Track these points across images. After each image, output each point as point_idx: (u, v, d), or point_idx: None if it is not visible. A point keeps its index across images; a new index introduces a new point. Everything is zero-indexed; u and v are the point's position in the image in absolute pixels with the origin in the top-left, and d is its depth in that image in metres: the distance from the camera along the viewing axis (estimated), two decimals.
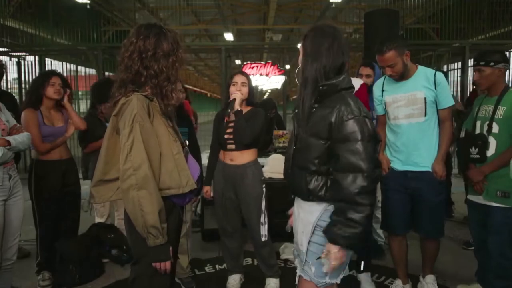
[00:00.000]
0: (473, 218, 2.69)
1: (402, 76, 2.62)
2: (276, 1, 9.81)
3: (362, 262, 2.90)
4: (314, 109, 1.67)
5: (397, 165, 2.72)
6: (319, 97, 1.66)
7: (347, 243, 1.58)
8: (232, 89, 2.81)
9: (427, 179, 2.63)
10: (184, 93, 3.06)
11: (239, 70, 3.33)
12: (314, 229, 1.69)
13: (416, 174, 2.65)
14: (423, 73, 2.64)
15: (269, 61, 8.93)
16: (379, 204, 3.24)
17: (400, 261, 2.85)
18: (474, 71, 2.58)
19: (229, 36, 11.45)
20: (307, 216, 1.72)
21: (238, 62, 14.31)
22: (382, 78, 2.81)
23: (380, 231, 3.62)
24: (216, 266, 3.46)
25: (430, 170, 2.64)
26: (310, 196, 1.68)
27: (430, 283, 2.83)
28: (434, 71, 2.66)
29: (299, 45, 1.74)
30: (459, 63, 7.55)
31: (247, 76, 2.89)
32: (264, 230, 2.78)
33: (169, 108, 1.71)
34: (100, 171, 1.69)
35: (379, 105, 2.80)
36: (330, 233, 1.60)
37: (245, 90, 2.80)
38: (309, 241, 1.70)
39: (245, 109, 2.81)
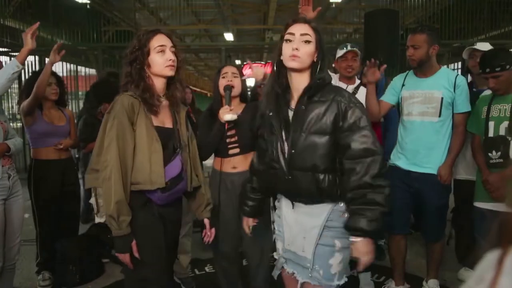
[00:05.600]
0: (482, 227, 2.38)
1: (419, 64, 2.59)
2: (276, 1, 9.80)
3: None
4: (303, 107, 1.63)
5: (402, 163, 2.69)
6: (314, 92, 1.63)
7: (370, 228, 1.51)
8: (222, 81, 2.40)
9: (430, 181, 2.60)
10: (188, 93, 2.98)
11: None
12: (322, 231, 1.64)
13: (420, 175, 2.63)
14: (445, 73, 2.63)
15: (269, 61, 8.93)
16: None
17: (397, 262, 2.82)
18: (487, 78, 2.42)
19: (229, 36, 11.45)
20: (311, 219, 1.66)
21: (238, 62, 14.30)
22: (406, 72, 2.79)
23: None
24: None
25: (434, 172, 2.60)
26: (322, 196, 1.63)
27: (432, 287, 2.82)
28: (456, 73, 2.65)
29: (298, 30, 1.64)
30: (459, 63, 7.54)
31: (237, 67, 2.53)
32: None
33: (154, 108, 1.78)
34: (92, 161, 1.81)
35: (393, 94, 2.76)
36: (351, 225, 1.55)
37: (237, 82, 2.41)
38: (317, 244, 1.65)
39: (240, 106, 2.44)
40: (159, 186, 1.75)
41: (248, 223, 1.99)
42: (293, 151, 1.62)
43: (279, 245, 1.84)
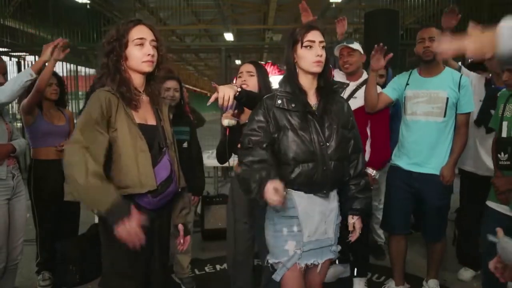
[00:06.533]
0: (490, 228, 2.33)
1: (433, 58, 2.56)
2: (276, 1, 9.81)
3: (356, 269, 2.87)
4: (332, 104, 1.83)
5: (403, 164, 2.68)
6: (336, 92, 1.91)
7: (366, 208, 1.91)
8: (238, 81, 2.31)
9: (431, 181, 2.59)
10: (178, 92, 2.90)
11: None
12: (338, 212, 1.87)
13: (421, 175, 2.61)
14: (449, 73, 2.62)
15: (269, 61, 8.93)
16: (380, 206, 3.24)
17: (397, 262, 2.81)
18: (503, 71, 2.34)
19: (229, 36, 11.47)
20: (328, 205, 1.83)
21: (238, 62, 14.31)
22: (409, 71, 2.77)
23: (380, 231, 3.62)
24: (216, 266, 3.46)
25: (435, 173, 2.59)
26: (345, 182, 1.88)
27: (432, 287, 2.81)
28: (460, 74, 2.64)
29: (317, 37, 1.76)
30: (459, 63, 7.54)
31: (256, 64, 2.32)
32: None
33: (133, 102, 1.65)
34: None
35: (394, 89, 2.74)
36: (356, 207, 1.87)
37: (253, 81, 2.24)
38: (336, 225, 1.86)
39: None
40: (150, 188, 1.61)
41: (276, 185, 1.56)
42: (328, 143, 1.77)
43: (289, 245, 1.77)
